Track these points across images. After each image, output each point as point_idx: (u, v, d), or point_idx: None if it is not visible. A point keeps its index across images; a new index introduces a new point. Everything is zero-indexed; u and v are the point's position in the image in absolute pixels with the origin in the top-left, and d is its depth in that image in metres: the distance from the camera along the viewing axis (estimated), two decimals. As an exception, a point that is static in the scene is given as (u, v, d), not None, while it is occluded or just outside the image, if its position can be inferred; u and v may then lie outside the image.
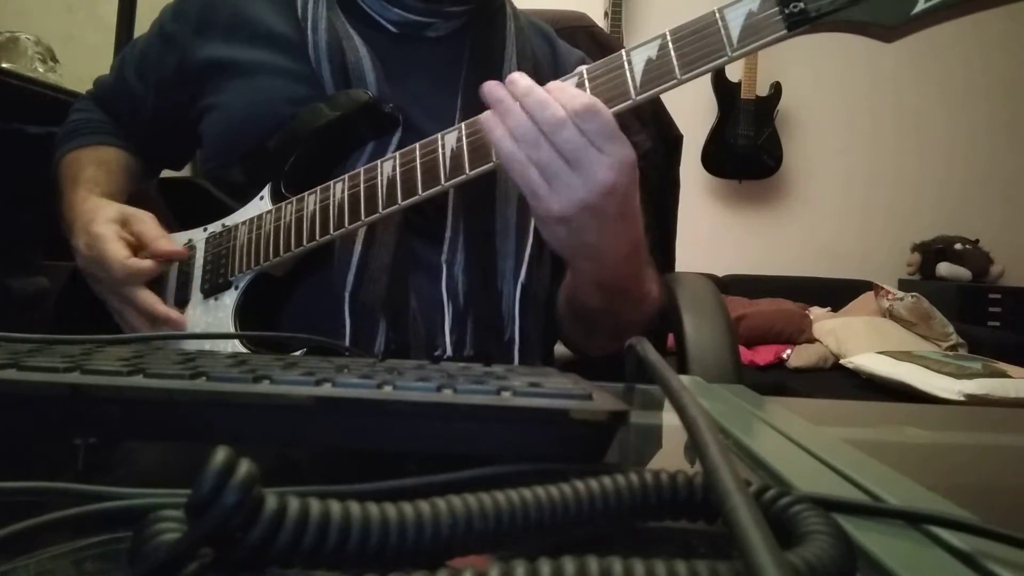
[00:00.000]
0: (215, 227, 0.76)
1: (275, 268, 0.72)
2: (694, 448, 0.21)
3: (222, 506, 0.16)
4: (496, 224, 0.74)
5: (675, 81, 0.57)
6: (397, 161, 0.65)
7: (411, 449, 0.31)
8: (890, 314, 2.95)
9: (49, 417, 0.29)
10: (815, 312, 3.10)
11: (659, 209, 1.16)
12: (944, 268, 3.31)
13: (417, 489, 0.25)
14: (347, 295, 0.69)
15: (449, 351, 0.71)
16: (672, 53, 0.57)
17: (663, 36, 0.58)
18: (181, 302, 0.75)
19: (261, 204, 0.73)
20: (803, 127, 3.52)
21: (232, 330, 0.71)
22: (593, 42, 1.11)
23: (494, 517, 0.20)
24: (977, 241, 3.37)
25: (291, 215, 0.70)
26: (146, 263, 0.70)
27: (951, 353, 2.68)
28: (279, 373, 0.31)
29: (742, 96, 3.33)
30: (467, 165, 0.62)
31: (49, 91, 1.32)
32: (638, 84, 0.58)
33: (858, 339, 2.75)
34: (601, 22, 3.03)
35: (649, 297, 0.72)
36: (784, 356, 2.78)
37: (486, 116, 0.59)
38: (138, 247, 0.71)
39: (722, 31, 0.56)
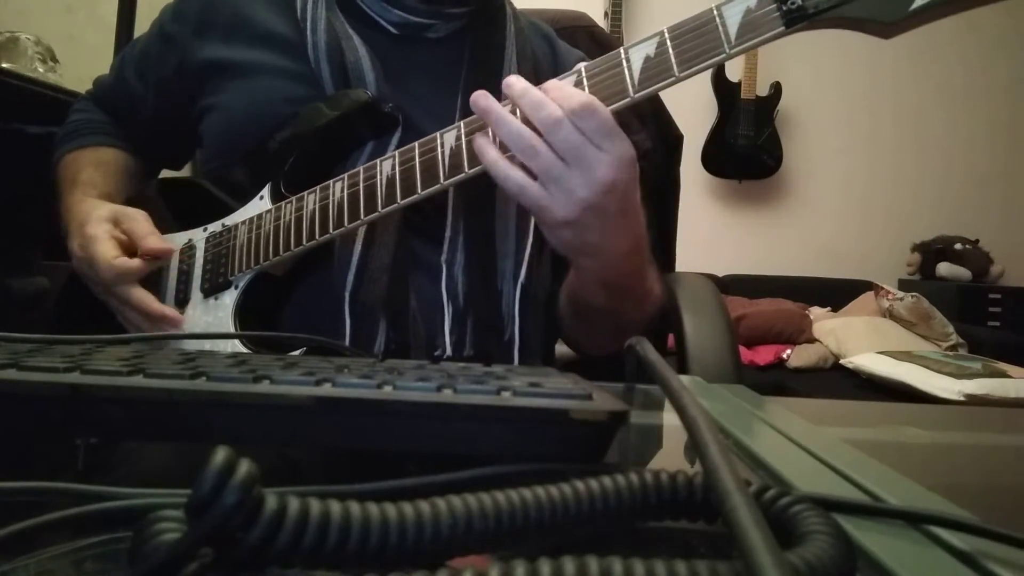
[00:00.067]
0: (215, 227, 0.76)
1: (275, 268, 0.72)
2: (694, 448, 0.21)
3: (222, 506, 0.16)
4: (496, 224, 0.74)
5: (673, 79, 0.57)
6: (396, 160, 0.65)
7: (411, 449, 0.31)
8: (890, 314, 2.95)
9: (49, 417, 0.29)
10: (815, 312, 3.11)
11: (659, 209, 1.16)
12: (944, 268, 3.31)
13: (417, 489, 0.25)
14: (347, 295, 0.69)
15: (449, 351, 0.71)
16: (670, 51, 0.57)
17: (661, 34, 0.58)
18: (181, 302, 0.75)
19: (261, 204, 0.73)
20: (803, 127, 3.52)
21: (232, 330, 0.71)
22: (593, 42, 1.11)
23: (494, 517, 0.20)
24: (977, 241, 3.37)
25: (291, 214, 0.70)
26: (134, 262, 0.70)
27: (951, 353, 2.68)
28: (279, 373, 0.31)
29: (742, 96, 3.33)
30: (466, 164, 0.62)
31: (49, 91, 1.32)
32: (636, 82, 0.58)
33: (858, 339, 2.75)
34: (601, 22, 3.02)
35: (651, 295, 0.72)
36: (784, 356, 2.78)
37: (478, 141, 0.59)
38: (130, 246, 0.71)
39: (720, 28, 0.56)
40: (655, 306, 0.74)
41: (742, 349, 2.60)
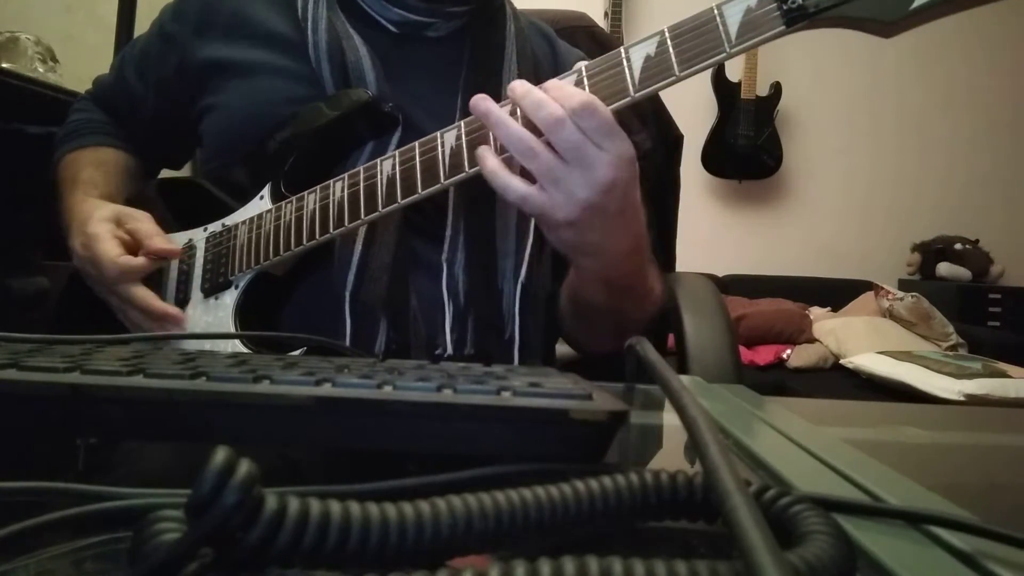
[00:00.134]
0: (215, 227, 0.76)
1: (275, 267, 0.72)
2: (694, 448, 0.21)
3: (222, 506, 0.16)
4: (496, 223, 0.74)
5: (674, 78, 0.57)
6: (396, 160, 0.65)
7: (411, 449, 0.31)
8: (890, 314, 2.95)
9: (49, 417, 0.29)
10: (815, 312, 3.11)
11: (659, 209, 1.16)
12: (944, 268, 3.31)
13: (417, 489, 0.25)
14: (347, 294, 0.69)
15: (450, 350, 0.71)
16: (671, 50, 0.57)
17: (661, 33, 0.58)
18: (181, 302, 0.75)
19: (261, 203, 0.73)
20: (803, 127, 3.52)
21: (232, 329, 0.71)
22: (593, 42, 1.11)
23: (494, 517, 0.20)
24: (977, 241, 3.37)
25: (291, 214, 0.70)
26: (138, 260, 0.70)
27: (951, 353, 2.68)
28: (279, 373, 0.31)
29: (742, 96, 3.33)
30: (466, 163, 0.62)
31: (49, 91, 1.32)
32: (637, 81, 0.58)
33: (858, 339, 2.75)
34: (601, 22, 3.02)
35: (652, 294, 0.72)
36: (784, 356, 2.78)
37: (480, 150, 0.59)
38: (133, 245, 0.72)
39: (720, 27, 0.56)
40: (656, 305, 0.74)
41: (742, 349, 2.60)
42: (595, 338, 0.80)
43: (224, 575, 0.17)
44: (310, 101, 0.73)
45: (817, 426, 0.45)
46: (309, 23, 0.76)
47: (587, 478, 0.23)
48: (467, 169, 0.62)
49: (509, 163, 0.58)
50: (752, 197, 3.54)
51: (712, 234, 3.46)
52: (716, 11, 0.56)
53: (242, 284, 0.72)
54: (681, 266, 1.22)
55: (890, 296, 2.97)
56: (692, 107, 3.27)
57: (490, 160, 0.59)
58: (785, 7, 0.54)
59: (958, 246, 3.33)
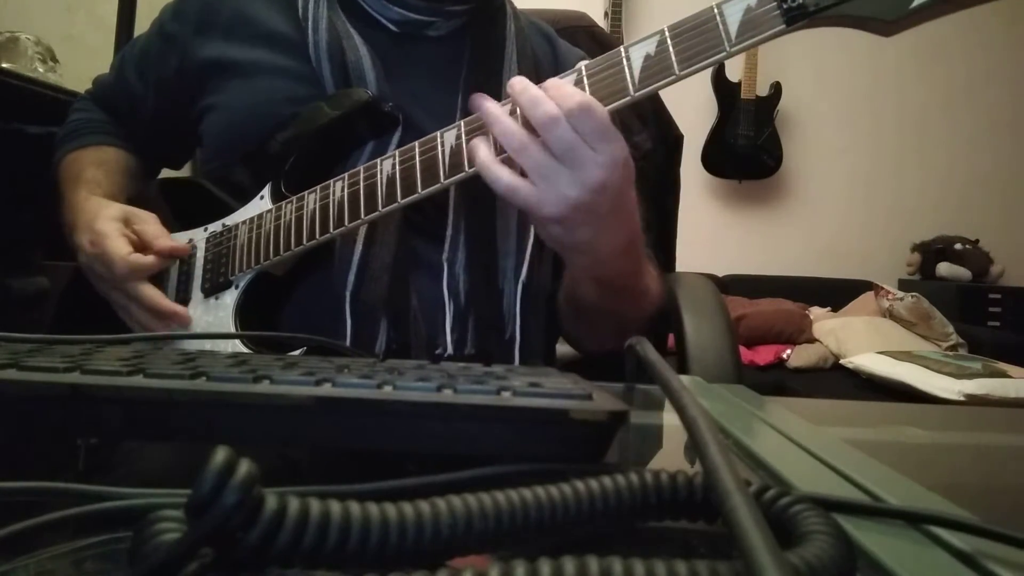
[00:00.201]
0: (215, 227, 0.76)
1: (275, 267, 0.72)
2: (694, 448, 0.21)
3: (222, 506, 0.16)
4: (497, 223, 0.74)
5: (673, 77, 0.57)
6: (396, 159, 0.65)
7: (411, 449, 0.31)
8: (890, 314, 2.95)
9: (49, 417, 0.29)
10: (815, 312, 3.10)
11: (659, 209, 1.16)
12: (944, 268, 3.31)
13: (417, 489, 0.25)
14: (348, 294, 0.69)
15: (450, 350, 0.71)
16: (670, 49, 0.57)
17: (661, 32, 0.58)
18: (182, 301, 0.75)
19: (261, 203, 0.73)
20: (803, 127, 3.52)
21: (233, 329, 0.72)
22: (593, 42, 1.11)
23: (494, 517, 0.20)
24: (977, 241, 3.37)
25: (291, 214, 0.70)
26: (148, 258, 0.71)
27: (951, 353, 2.68)
28: (279, 373, 0.31)
29: (742, 96, 3.33)
30: (466, 163, 0.62)
31: (49, 91, 1.32)
32: (637, 80, 0.58)
33: (858, 339, 2.75)
34: (601, 22, 3.03)
35: (648, 293, 0.72)
36: (784, 356, 2.78)
37: (472, 141, 0.60)
38: (140, 246, 0.72)
39: (720, 26, 0.56)
40: (653, 305, 0.74)
41: (742, 349, 2.60)
42: (593, 337, 0.80)
43: (224, 575, 0.17)
44: (310, 101, 0.73)
45: (817, 426, 0.45)
46: (309, 23, 0.76)
47: (587, 478, 0.23)
48: (467, 168, 0.62)
49: (510, 162, 0.59)
50: (752, 197, 3.54)
51: (712, 234, 3.46)
52: (716, 10, 0.56)
53: (242, 284, 0.72)
54: (681, 266, 1.22)
55: (890, 296, 2.97)
56: (692, 107, 3.27)
57: (481, 151, 0.59)
58: (785, 6, 0.54)
59: (958, 246, 3.33)
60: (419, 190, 0.64)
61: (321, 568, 0.18)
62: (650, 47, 0.58)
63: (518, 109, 0.57)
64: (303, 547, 0.18)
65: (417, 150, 0.64)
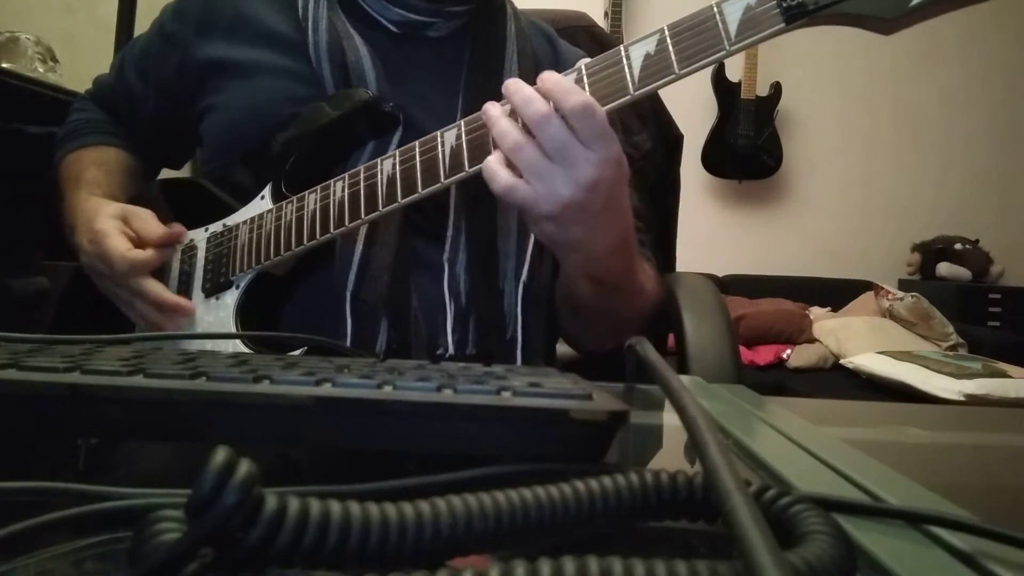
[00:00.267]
0: (216, 227, 0.76)
1: (276, 267, 0.72)
2: (694, 448, 0.21)
3: (222, 506, 0.16)
4: (498, 223, 0.74)
5: (673, 76, 0.57)
6: (397, 159, 0.65)
7: (411, 449, 0.31)
8: (890, 314, 2.95)
9: (49, 417, 0.29)
10: (815, 312, 3.10)
11: (659, 209, 1.16)
12: (944, 268, 3.31)
13: (417, 489, 0.25)
14: (348, 294, 0.69)
15: (451, 350, 0.71)
16: (670, 48, 0.57)
17: (661, 31, 0.58)
18: (182, 302, 0.75)
19: (262, 203, 0.73)
20: (803, 127, 3.52)
21: (233, 329, 0.72)
22: (593, 42, 1.11)
23: (494, 517, 0.20)
24: (977, 241, 3.37)
25: (292, 214, 0.70)
26: (147, 253, 0.71)
27: (951, 353, 2.68)
28: (279, 373, 0.31)
29: (742, 96, 3.33)
30: (467, 162, 0.62)
31: (49, 91, 1.32)
32: (636, 79, 0.58)
33: (858, 339, 2.75)
34: (601, 22, 3.03)
35: (643, 292, 0.72)
36: (784, 356, 2.78)
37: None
38: (139, 243, 0.72)
39: (720, 25, 0.56)
40: (649, 303, 0.74)
41: (742, 349, 2.60)
42: (590, 336, 0.80)
43: (224, 575, 0.17)
44: (310, 101, 0.73)
45: (817, 426, 0.45)
46: (310, 23, 0.76)
47: (587, 478, 0.23)
48: (467, 168, 0.62)
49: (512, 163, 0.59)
50: (752, 197, 3.54)
51: (712, 234, 3.46)
52: (716, 9, 0.56)
53: (243, 284, 0.72)
54: (681, 266, 1.21)
55: (890, 296, 2.97)
56: (692, 107, 3.27)
57: (493, 153, 0.59)
58: (785, 4, 0.54)
59: (958, 246, 3.33)
60: (419, 190, 0.64)
61: (321, 568, 0.18)
62: (650, 46, 0.58)
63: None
64: (303, 547, 0.18)
65: (417, 150, 0.64)
